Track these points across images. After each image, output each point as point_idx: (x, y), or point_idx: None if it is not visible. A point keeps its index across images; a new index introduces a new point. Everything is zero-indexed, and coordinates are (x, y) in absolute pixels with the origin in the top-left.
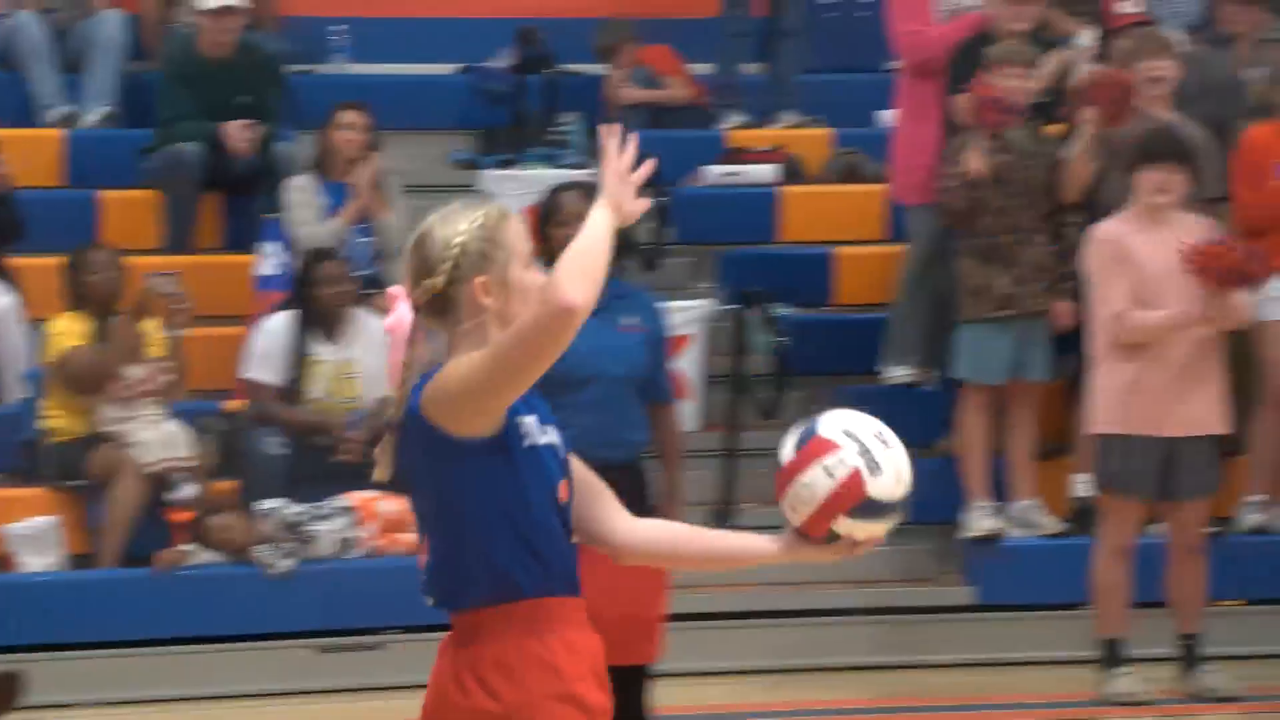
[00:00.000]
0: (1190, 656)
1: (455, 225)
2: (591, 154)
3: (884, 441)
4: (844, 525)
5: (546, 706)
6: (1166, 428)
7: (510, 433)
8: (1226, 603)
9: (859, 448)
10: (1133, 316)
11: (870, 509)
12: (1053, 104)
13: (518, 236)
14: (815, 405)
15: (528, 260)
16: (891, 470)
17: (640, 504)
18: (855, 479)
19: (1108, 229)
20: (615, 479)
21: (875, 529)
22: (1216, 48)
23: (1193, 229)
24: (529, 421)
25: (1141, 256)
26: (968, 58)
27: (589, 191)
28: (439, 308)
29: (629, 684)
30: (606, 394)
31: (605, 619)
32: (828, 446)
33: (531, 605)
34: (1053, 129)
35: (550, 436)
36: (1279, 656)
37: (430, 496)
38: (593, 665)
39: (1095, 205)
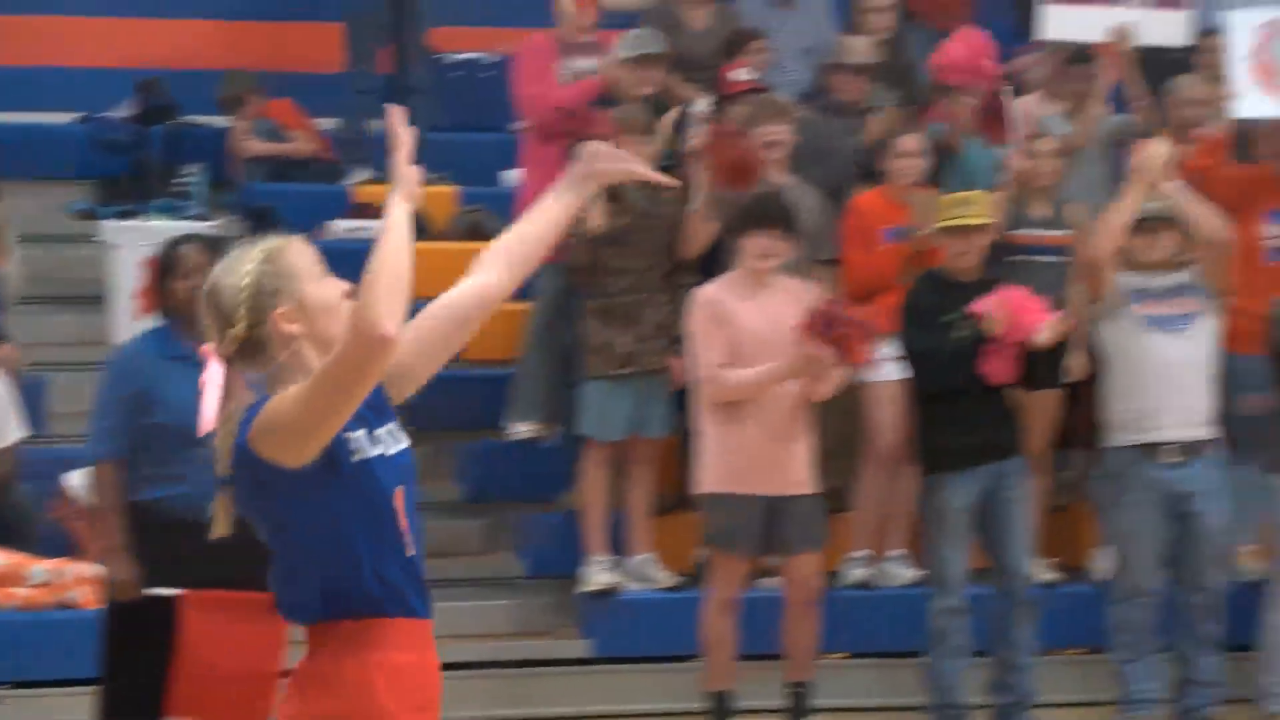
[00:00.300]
0: (799, 706)
1: (239, 269)
2: (214, 206)
3: None
4: None
5: None
6: (765, 486)
7: (338, 450)
8: (832, 656)
9: None
10: (725, 376)
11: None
12: (671, 167)
13: (301, 256)
14: (443, 461)
15: (319, 275)
16: None
17: (263, 564)
18: None
19: (709, 291)
20: (236, 537)
21: None
22: (828, 115)
23: (796, 293)
24: (357, 436)
25: (741, 319)
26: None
27: (209, 243)
28: (250, 352)
29: None
30: None
31: (223, 675)
32: None
33: (361, 625)
34: (669, 192)
35: (382, 446)
36: (882, 709)
37: (266, 524)
38: (414, 689)
39: (713, 267)
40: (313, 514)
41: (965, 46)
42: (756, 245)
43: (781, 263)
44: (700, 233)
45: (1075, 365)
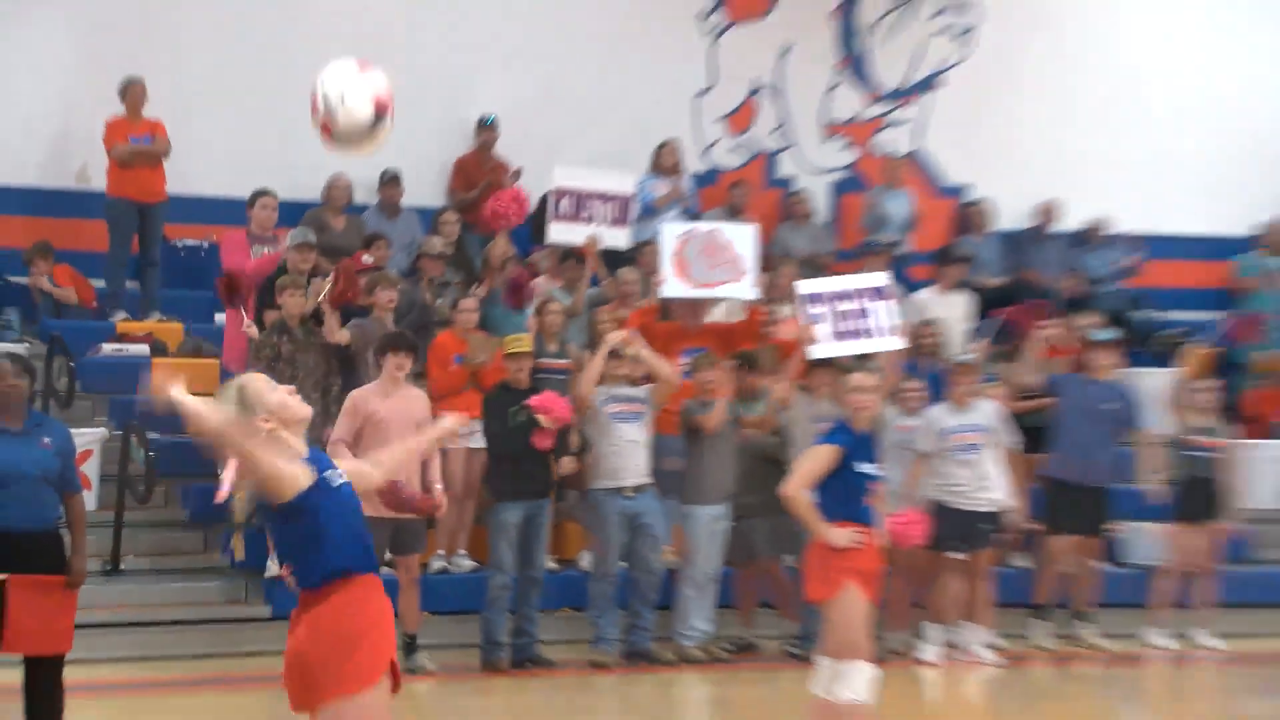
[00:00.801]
0: (410, 647)
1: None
2: (25, 333)
3: (340, 79)
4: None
5: (334, 643)
6: (389, 512)
7: (323, 484)
8: (425, 614)
9: (323, 94)
10: (340, 450)
11: (344, 135)
12: (318, 313)
13: (259, 383)
14: (176, 496)
15: (273, 388)
16: (336, 96)
17: (59, 559)
18: (324, 125)
19: (360, 391)
20: (40, 542)
21: (364, 142)
22: (419, 285)
23: (414, 394)
24: (330, 474)
25: (377, 410)
26: (270, 280)
27: (16, 358)
28: None
29: (46, 669)
30: (32, 487)
31: (36, 625)
32: (313, 107)
33: (343, 580)
34: (319, 328)
35: (341, 480)
36: (464, 646)
37: (285, 534)
38: (376, 612)
39: (356, 378)
40: (316, 522)
41: (503, 201)
42: (394, 362)
43: (408, 373)
44: (331, 330)
45: (577, 441)
